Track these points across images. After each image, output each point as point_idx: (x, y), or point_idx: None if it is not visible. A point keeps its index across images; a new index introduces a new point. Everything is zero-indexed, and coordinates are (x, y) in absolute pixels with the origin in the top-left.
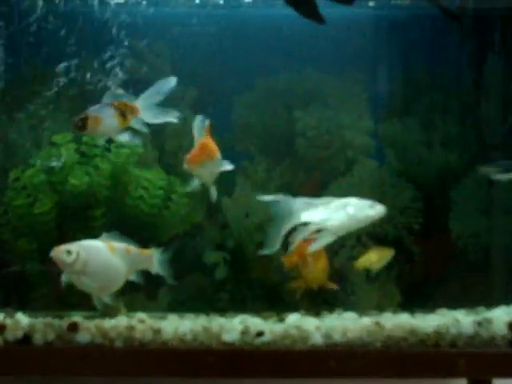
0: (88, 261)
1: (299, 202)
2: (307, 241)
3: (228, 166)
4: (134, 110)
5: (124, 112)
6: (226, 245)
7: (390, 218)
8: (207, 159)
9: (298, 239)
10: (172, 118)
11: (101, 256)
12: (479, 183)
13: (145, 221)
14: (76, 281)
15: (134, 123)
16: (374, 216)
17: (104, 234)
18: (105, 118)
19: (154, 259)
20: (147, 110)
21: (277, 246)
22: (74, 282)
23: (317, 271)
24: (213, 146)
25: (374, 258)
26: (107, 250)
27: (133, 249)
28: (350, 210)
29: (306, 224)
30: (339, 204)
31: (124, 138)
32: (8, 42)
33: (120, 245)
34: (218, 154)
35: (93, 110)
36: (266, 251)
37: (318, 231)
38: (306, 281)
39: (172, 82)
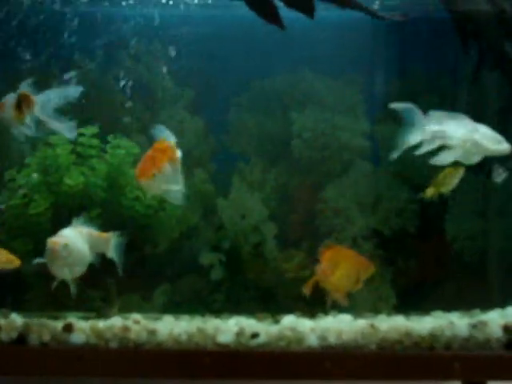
0: (76, 250)
1: (432, 114)
2: (326, 263)
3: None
4: (30, 104)
5: (20, 104)
6: (222, 246)
7: (386, 219)
8: (157, 172)
9: (423, 151)
10: (66, 131)
11: (80, 243)
12: (476, 185)
13: (141, 222)
14: (60, 271)
15: (28, 120)
16: (498, 151)
17: (74, 220)
18: (6, 107)
19: (110, 243)
20: (44, 109)
21: (399, 152)
22: (54, 271)
23: (344, 287)
24: (161, 156)
25: (447, 179)
26: (80, 236)
27: (94, 232)
28: (478, 136)
29: (433, 137)
30: (470, 127)
31: (20, 131)
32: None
33: (86, 229)
34: (166, 165)
35: (6, 97)
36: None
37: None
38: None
39: (77, 91)
